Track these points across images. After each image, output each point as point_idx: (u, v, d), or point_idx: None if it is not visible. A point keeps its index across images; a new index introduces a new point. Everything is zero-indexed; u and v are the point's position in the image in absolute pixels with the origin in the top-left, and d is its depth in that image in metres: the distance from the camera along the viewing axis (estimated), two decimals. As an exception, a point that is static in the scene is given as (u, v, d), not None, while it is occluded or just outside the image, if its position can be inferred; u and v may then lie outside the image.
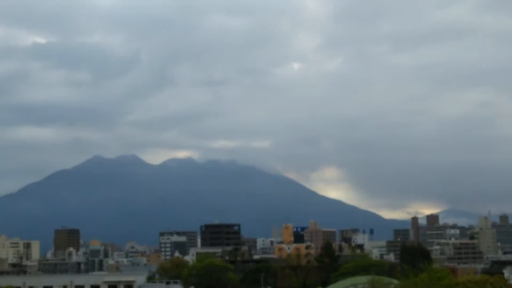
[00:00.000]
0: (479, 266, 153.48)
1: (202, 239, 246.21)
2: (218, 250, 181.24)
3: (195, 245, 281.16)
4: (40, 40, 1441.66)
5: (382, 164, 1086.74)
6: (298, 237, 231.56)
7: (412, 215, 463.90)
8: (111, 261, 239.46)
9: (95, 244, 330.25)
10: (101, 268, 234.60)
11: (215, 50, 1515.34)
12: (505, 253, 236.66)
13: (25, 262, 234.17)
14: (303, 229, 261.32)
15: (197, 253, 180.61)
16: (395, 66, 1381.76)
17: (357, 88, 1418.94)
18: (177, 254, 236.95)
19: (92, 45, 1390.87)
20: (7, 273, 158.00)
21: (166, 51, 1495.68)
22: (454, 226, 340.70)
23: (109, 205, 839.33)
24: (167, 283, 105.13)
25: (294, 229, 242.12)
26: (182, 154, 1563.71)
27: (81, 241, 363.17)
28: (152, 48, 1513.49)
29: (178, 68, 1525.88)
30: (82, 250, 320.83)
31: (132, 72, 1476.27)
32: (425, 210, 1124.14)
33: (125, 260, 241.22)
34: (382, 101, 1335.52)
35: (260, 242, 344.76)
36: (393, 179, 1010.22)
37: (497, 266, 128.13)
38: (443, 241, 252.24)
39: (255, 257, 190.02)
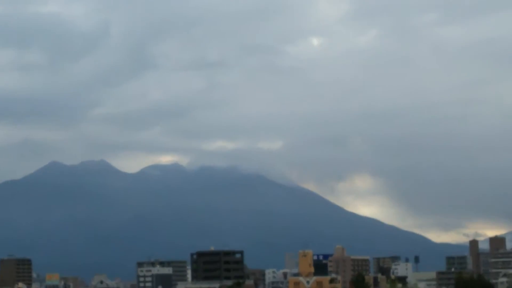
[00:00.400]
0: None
1: (193, 270, 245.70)
2: (214, 285, 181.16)
3: (184, 279, 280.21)
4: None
5: (430, 171, 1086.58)
6: (320, 268, 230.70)
7: (470, 238, 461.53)
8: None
9: (53, 279, 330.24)
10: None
11: (209, 22, 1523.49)
12: None
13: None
14: (326, 257, 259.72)
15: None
16: (445, 41, 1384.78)
17: (396, 70, 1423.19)
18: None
19: (47, 16, 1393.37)
20: None
21: (144, 24, 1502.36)
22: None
23: (71, 226, 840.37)
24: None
25: (315, 257, 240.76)
26: (166, 159, 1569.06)
27: (34, 274, 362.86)
28: (125, 21, 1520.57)
29: (161, 46, 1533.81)
30: (35, 286, 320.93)
31: (100, 52, 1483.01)
32: (487, 231, 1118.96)
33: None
34: (429, 87, 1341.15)
35: (269, 275, 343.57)
36: (445, 190, 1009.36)
37: None
38: (511, 271, 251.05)
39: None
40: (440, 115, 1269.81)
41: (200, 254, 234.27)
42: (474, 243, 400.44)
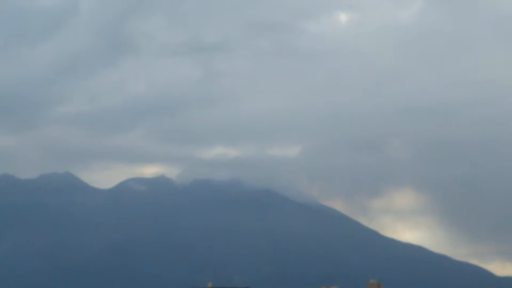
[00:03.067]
0: None
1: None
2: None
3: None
4: None
5: (493, 184, 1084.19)
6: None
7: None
8: None
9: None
10: None
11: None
12: None
13: None
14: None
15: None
16: (509, 17, 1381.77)
17: (447, 54, 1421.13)
18: None
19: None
20: None
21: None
22: None
23: (29, 257, 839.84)
24: None
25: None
26: (150, 170, 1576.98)
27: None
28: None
29: (143, 26, 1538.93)
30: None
31: (66, 33, 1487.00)
32: None
33: None
34: (492, 75, 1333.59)
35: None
36: (510, 208, 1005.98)
37: None
38: None
39: None
40: (507, 111, 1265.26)
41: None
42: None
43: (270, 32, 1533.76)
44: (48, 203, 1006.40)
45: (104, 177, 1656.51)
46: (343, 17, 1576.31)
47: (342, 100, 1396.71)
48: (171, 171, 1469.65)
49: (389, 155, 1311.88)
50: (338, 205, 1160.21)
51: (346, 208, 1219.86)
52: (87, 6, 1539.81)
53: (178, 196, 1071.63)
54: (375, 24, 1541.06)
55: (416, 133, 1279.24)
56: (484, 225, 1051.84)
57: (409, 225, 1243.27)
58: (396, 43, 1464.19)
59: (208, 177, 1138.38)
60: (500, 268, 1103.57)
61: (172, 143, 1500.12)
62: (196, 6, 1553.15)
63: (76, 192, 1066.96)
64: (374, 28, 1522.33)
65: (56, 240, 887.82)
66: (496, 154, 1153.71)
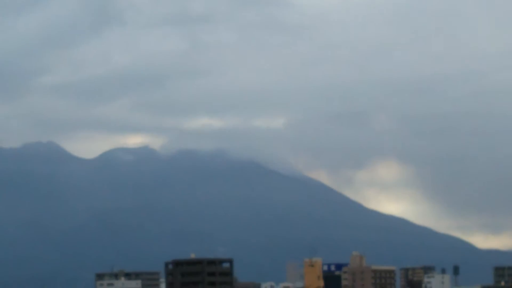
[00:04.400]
0: None
1: (168, 284, 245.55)
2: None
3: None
4: None
5: (476, 158, 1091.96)
6: (332, 281, 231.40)
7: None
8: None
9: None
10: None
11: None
12: None
13: None
14: (339, 267, 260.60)
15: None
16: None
17: (434, 28, 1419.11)
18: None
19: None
20: None
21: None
22: None
23: (12, 227, 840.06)
24: None
25: (325, 267, 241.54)
26: (134, 140, 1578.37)
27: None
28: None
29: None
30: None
31: (51, 3, 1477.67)
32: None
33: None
34: (477, 51, 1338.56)
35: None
36: (494, 182, 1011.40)
37: None
38: None
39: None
40: (491, 87, 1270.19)
41: (177, 264, 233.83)
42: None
43: (256, 4, 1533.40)
44: (31, 172, 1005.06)
45: (88, 147, 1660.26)
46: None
47: (327, 73, 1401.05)
48: (155, 142, 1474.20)
49: (374, 128, 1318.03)
50: (323, 177, 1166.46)
51: (330, 180, 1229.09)
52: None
53: (162, 166, 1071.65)
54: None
55: (401, 107, 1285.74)
56: (467, 198, 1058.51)
57: (392, 197, 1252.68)
58: (382, 17, 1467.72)
59: (193, 148, 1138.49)
60: (482, 241, 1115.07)
61: (157, 114, 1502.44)
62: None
63: (59, 162, 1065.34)
64: (361, 2, 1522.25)
65: (38, 209, 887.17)
66: (480, 129, 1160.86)
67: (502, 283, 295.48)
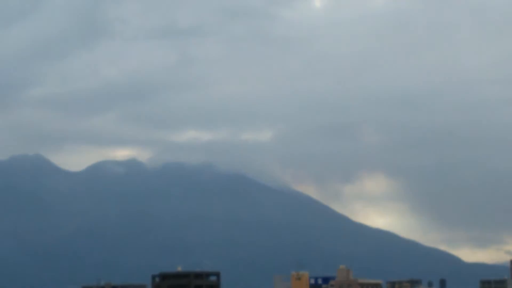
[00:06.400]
0: None
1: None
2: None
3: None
4: None
5: (464, 171, 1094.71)
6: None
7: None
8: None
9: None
10: None
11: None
12: None
13: None
14: (326, 280, 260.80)
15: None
16: (485, 4, 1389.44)
17: (422, 41, 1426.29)
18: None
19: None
20: None
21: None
22: None
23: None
24: None
25: (312, 281, 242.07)
26: (122, 153, 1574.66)
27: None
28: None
29: (117, 9, 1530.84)
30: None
31: (40, 15, 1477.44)
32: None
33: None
34: (465, 63, 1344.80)
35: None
36: (481, 196, 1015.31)
37: None
38: None
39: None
40: (479, 99, 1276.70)
41: (164, 276, 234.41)
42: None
43: (244, 17, 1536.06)
44: (18, 185, 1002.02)
45: (75, 159, 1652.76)
46: (317, 3, 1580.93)
47: (315, 86, 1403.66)
48: (142, 155, 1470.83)
49: (361, 141, 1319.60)
50: (310, 190, 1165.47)
51: (318, 194, 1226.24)
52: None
53: (150, 179, 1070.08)
54: (350, 11, 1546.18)
55: (389, 120, 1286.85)
56: (454, 212, 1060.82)
57: (380, 210, 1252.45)
58: (370, 31, 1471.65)
59: (180, 161, 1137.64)
60: (469, 254, 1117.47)
61: (144, 126, 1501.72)
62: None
63: (46, 175, 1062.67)
64: (349, 15, 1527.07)
65: (25, 221, 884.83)
66: (467, 142, 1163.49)
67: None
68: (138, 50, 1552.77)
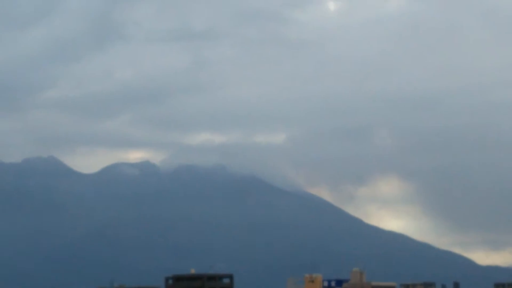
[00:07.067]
0: None
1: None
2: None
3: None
4: None
5: (478, 174, 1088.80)
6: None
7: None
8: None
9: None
10: None
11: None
12: None
13: None
14: (340, 282, 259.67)
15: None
16: (499, 6, 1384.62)
17: (435, 44, 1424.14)
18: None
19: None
20: None
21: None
22: None
23: (11, 242, 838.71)
24: None
25: (325, 283, 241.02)
26: (136, 155, 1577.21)
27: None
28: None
29: (132, 12, 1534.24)
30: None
31: (54, 18, 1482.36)
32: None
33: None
34: (478, 66, 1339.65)
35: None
36: (495, 198, 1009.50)
37: None
38: None
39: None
40: (493, 101, 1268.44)
41: (178, 279, 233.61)
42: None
43: (257, 20, 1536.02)
44: (31, 187, 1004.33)
45: (89, 161, 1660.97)
46: (331, 6, 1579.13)
47: (328, 89, 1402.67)
48: (156, 157, 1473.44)
49: (375, 144, 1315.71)
50: (323, 192, 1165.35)
51: (331, 196, 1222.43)
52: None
53: (163, 181, 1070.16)
54: (364, 14, 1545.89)
55: (402, 122, 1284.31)
56: (468, 215, 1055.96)
57: (393, 213, 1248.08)
58: (384, 33, 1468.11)
59: (194, 163, 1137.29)
60: (484, 257, 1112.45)
61: (158, 129, 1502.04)
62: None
63: (59, 177, 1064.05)
64: (363, 18, 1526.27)
65: (39, 223, 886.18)
66: (482, 144, 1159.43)
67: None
68: (152, 53, 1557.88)
